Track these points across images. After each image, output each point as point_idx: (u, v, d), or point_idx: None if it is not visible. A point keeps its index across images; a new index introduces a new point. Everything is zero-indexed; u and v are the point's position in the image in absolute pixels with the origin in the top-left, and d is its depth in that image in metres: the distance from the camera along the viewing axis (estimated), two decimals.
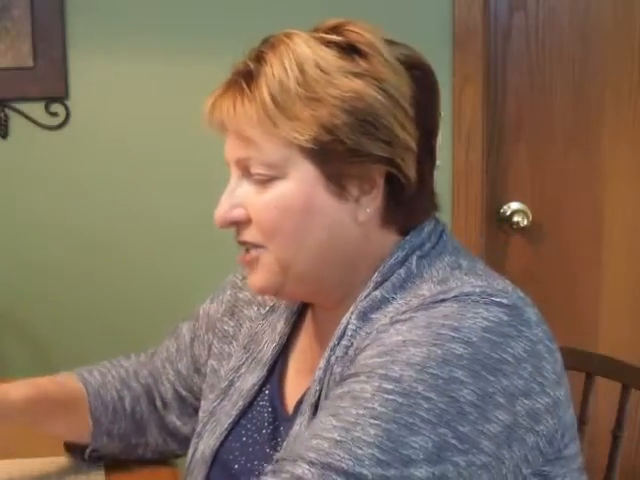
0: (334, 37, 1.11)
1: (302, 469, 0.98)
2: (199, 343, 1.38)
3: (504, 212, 2.48)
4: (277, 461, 1.03)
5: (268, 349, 1.25)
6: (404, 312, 1.06)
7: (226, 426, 1.24)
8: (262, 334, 1.27)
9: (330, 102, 1.07)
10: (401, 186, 1.12)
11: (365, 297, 1.11)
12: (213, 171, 2.34)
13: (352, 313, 1.12)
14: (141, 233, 2.37)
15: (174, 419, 1.41)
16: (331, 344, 1.12)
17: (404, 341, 1.02)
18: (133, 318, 2.36)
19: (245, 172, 1.13)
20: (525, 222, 2.47)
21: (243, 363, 1.27)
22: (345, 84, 1.08)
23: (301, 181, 1.10)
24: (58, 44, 2.28)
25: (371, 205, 1.12)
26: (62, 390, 1.39)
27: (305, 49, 1.09)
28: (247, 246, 1.15)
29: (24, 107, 2.31)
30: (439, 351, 1.00)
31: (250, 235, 1.13)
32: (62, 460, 1.44)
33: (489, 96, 2.41)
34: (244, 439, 1.22)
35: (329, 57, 1.09)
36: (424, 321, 1.03)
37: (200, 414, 1.30)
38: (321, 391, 1.11)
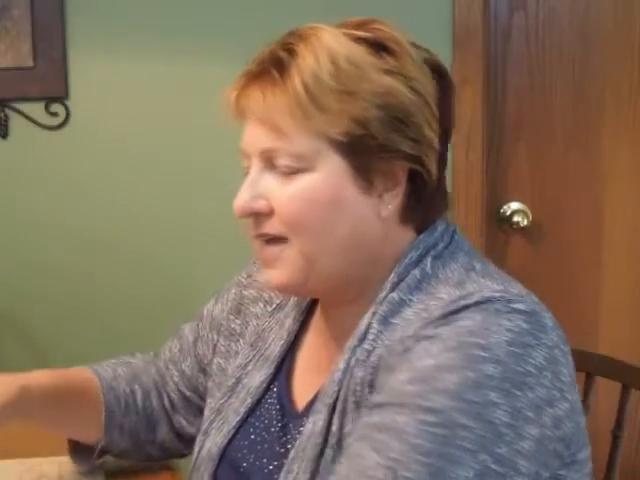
0: (363, 33, 1.11)
1: None
2: (203, 343, 1.37)
3: (504, 212, 2.48)
4: None
5: (276, 346, 1.25)
6: (427, 324, 1.05)
7: (234, 424, 1.23)
8: (269, 331, 1.27)
9: (363, 97, 1.08)
10: (423, 183, 1.12)
11: (383, 299, 1.11)
12: (213, 171, 2.36)
13: (372, 315, 1.11)
14: (141, 233, 2.37)
15: (181, 419, 1.41)
16: (350, 345, 1.11)
17: (437, 366, 1.01)
18: (133, 318, 2.36)
19: (269, 163, 1.11)
20: (525, 222, 2.47)
21: (250, 360, 1.27)
22: (377, 80, 1.08)
23: (329, 174, 1.09)
24: (58, 44, 2.28)
25: (392, 202, 1.12)
26: (79, 381, 1.38)
27: (336, 43, 1.09)
28: (266, 237, 1.13)
29: (24, 107, 2.31)
30: (472, 375, 0.99)
31: (272, 227, 1.12)
32: (62, 460, 1.44)
33: (489, 96, 2.41)
34: (252, 437, 1.22)
35: (359, 53, 1.09)
36: (452, 340, 1.02)
37: (206, 412, 1.30)
38: (339, 392, 1.10)
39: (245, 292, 1.34)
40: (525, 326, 1.03)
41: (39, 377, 1.33)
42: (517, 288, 1.08)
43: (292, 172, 1.10)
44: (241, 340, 1.31)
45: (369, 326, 1.11)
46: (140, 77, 2.33)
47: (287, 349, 1.24)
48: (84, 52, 2.30)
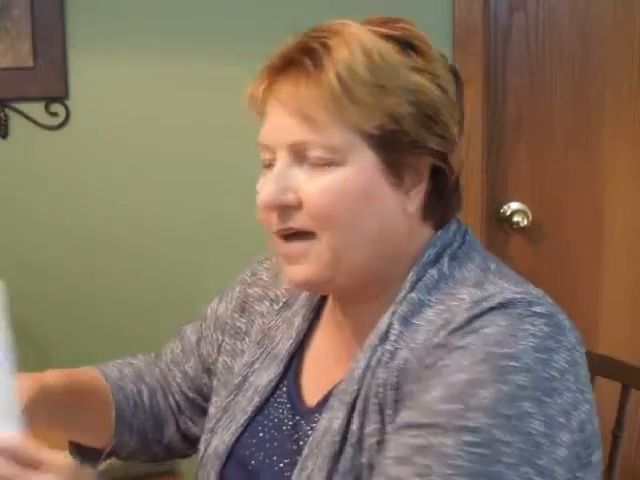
0: (391, 31, 1.12)
1: None
2: (207, 343, 1.37)
3: (504, 212, 2.48)
4: None
5: (284, 346, 1.24)
6: (453, 331, 1.04)
7: (242, 422, 1.23)
8: (276, 330, 1.27)
9: (396, 92, 1.08)
10: (444, 181, 1.13)
11: (403, 299, 1.11)
12: (213, 171, 2.36)
13: (392, 315, 1.11)
14: (141, 233, 2.37)
15: (186, 420, 1.40)
16: (370, 343, 1.11)
17: (469, 381, 1.01)
18: (133, 318, 2.36)
19: (298, 156, 1.10)
20: (525, 222, 2.47)
21: (257, 358, 1.27)
22: (408, 77, 1.09)
23: (361, 168, 1.09)
24: (58, 44, 2.28)
25: (416, 198, 1.13)
26: (88, 381, 1.36)
27: (367, 38, 1.10)
28: (290, 232, 1.12)
29: (24, 107, 2.31)
30: (505, 388, 1.00)
31: (300, 221, 1.11)
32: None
33: (489, 96, 2.41)
34: (261, 435, 1.22)
35: (390, 49, 1.10)
36: (481, 352, 1.01)
37: (212, 410, 1.29)
38: (359, 391, 1.10)
39: (250, 290, 1.34)
40: (546, 329, 1.03)
41: (52, 376, 1.31)
42: (534, 290, 1.09)
43: (324, 164, 1.09)
44: (247, 338, 1.30)
45: (390, 326, 1.10)
46: (140, 77, 2.33)
47: (296, 348, 1.24)
48: (84, 52, 2.30)
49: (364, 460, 1.07)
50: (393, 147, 1.09)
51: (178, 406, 1.40)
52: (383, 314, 1.12)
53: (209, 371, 1.36)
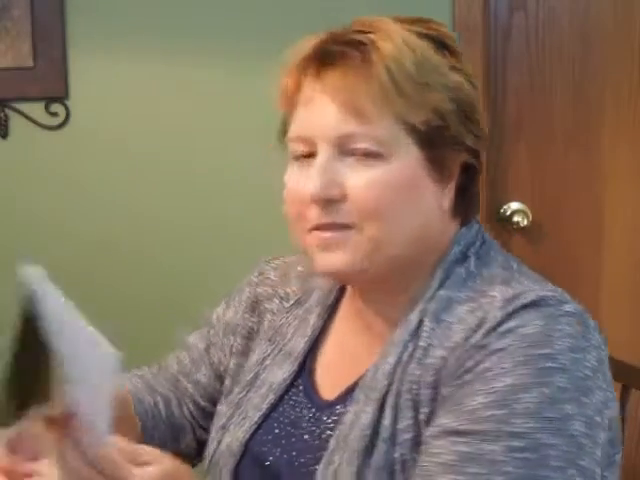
0: (425, 31, 1.14)
1: None
2: (217, 349, 1.35)
3: (504, 212, 2.48)
4: None
5: (298, 343, 1.24)
6: (489, 331, 1.04)
7: (256, 419, 1.22)
8: (287, 327, 1.26)
9: (439, 89, 1.10)
10: (472, 178, 1.15)
11: (432, 296, 1.12)
12: (213, 171, 2.36)
13: (422, 312, 1.11)
14: (141, 233, 2.37)
15: (200, 430, 1.37)
16: (400, 339, 1.11)
17: (512, 385, 1.01)
18: (133, 318, 2.36)
19: (342, 149, 1.10)
20: (525, 222, 2.47)
21: (268, 355, 1.26)
22: (448, 74, 1.11)
23: (405, 162, 1.10)
24: (58, 44, 2.28)
25: (449, 194, 1.14)
26: (121, 394, 1.29)
27: (407, 36, 1.11)
28: (330, 226, 1.10)
29: (24, 107, 2.32)
30: (547, 391, 1.00)
31: (343, 215, 1.10)
32: None
33: (489, 96, 2.41)
34: (277, 431, 1.20)
35: (427, 48, 1.12)
36: (521, 354, 1.02)
37: (223, 408, 1.28)
38: (390, 386, 1.09)
39: (259, 290, 1.33)
40: (578, 328, 1.04)
41: None
42: (558, 289, 1.11)
43: (370, 157, 1.09)
44: (257, 337, 1.30)
45: (421, 323, 1.10)
46: (140, 77, 2.33)
47: (311, 346, 1.23)
48: (84, 52, 2.30)
49: (397, 455, 1.07)
50: (437, 143, 1.10)
51: (192, 416, 1.38)
52: (409, 311, 1.12)
53: (221, 378, 1.34)
